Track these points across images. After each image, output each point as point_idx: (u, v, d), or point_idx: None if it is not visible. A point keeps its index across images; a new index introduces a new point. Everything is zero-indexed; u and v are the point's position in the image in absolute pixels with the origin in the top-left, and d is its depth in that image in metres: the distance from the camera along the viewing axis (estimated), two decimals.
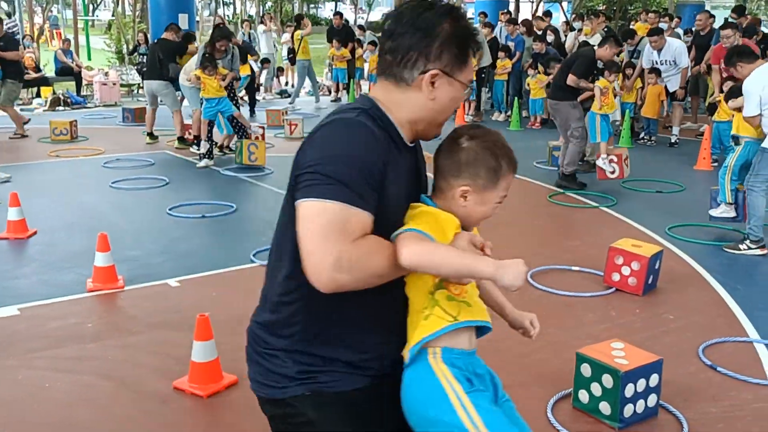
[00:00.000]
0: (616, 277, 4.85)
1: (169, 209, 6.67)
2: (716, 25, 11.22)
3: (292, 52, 15.42)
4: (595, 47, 8.14)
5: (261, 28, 17.01)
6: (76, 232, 6.06)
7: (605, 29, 12.67)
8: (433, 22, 1.66)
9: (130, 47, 18.06)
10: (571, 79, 7.55)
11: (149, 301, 4.64)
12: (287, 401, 1.74)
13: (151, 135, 10.24)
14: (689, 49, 11.27)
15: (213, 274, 5.12)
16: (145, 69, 11.82)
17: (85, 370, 3.71)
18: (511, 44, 12.84)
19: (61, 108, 13.85)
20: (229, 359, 3.63)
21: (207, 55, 8.80)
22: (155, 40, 11.06)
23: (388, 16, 1.71)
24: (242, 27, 17.88)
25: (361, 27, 17.18)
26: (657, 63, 10.10)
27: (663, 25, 12.62)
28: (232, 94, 9.23)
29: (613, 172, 7.64)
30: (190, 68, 9.32)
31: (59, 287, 4.81)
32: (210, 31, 14.05)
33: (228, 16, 42.86)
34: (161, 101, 10.26)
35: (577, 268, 5.22)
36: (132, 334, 4.14)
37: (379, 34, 1.74)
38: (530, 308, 4.90)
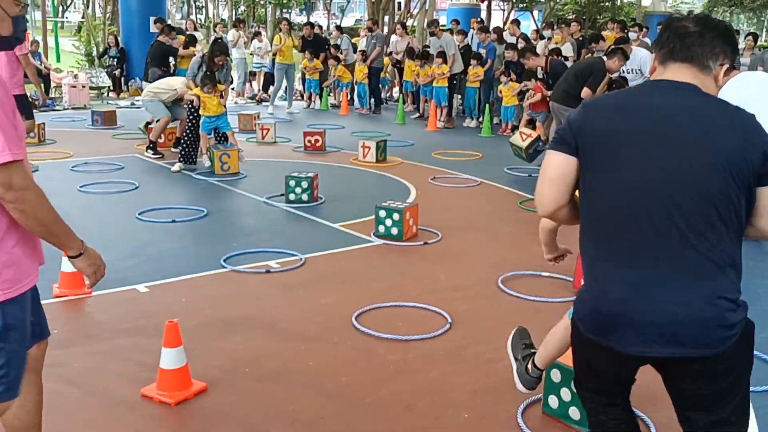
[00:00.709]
0: None
1: (139, 213, 6.60)
2: None
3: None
4: (604, 59, 8.41)
5: (231, 33, 16.86)
6: None
7: (579, 38, 12.84)
8: (726, 30, 2.21)
9: (100, 50, 17.87)
10: (586, 93, 7.99)
11: (117, 307, 4.58)
12: (746, 328, 2.14)
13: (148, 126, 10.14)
14: None
15: (183, 280, 5.07)
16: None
17: (51, 377, 3.63)
18: (483, 51, 12.92)
19: None
20: (199, 366, 3.60)
21: (208, 72, 8.68)
22: (153, 42, 11.09)
23: (690, 17, 2.22)
24: (215, 31, 17.79)
25: (338, 27, 17.18)
26: (624, 72, 10.25)
27: (632, 35, 12.79)
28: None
29: None
30: (167, 84, 9.25)
31: None
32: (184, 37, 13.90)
33: (200, 19, 42.61)
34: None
35: (547, 274, 5.26)
36: (99, 341, 4.08)
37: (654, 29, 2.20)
38: (500, 314, 4.96)
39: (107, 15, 22.46)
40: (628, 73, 10.22)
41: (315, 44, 14.71)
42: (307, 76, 15.03)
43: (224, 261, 5.37)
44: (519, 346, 3.20)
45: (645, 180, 2.06)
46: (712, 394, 2.15)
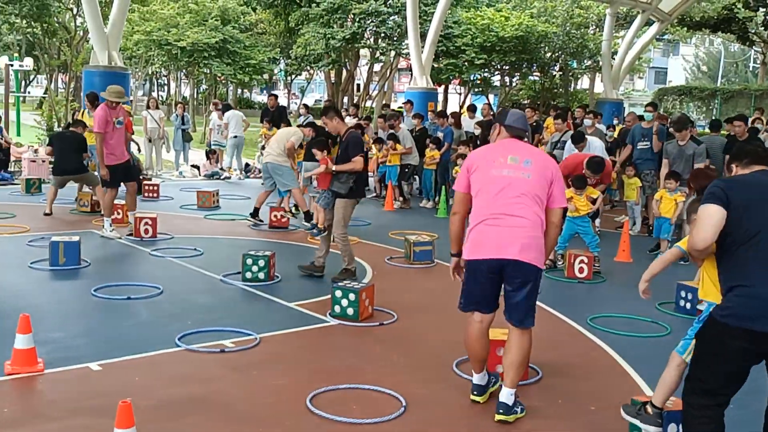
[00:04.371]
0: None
1: (94, 290, 6.56)
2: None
3: None
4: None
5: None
6: None
7: (534, 124, 13.31)
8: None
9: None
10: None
11: (69, 386, 4.53)
12: None
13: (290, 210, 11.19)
14: (619, 143, 12.20)
15: (137, 358, 5.04)
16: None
17: None
18: (440, 135, 13.31)
19: None
20: None
21: None
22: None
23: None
24: (176, 109, 18.01)
25: (306, 106, 17.46)
26: None
27: (587, 121, 13.32)
28: None
29: None
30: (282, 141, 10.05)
31: None
32: (144, 113, 14.03)
33: (162, 96, 42.98)
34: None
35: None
36: (50, 420, 4.03)
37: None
38: (454, 398, 4.95)
39: (70, 90, 22.61)
40: None
41: (276, 114, 14.94)
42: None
43: (179, 339, 5.36)
44: (630, 408, 4.03)
45: None
46: None
